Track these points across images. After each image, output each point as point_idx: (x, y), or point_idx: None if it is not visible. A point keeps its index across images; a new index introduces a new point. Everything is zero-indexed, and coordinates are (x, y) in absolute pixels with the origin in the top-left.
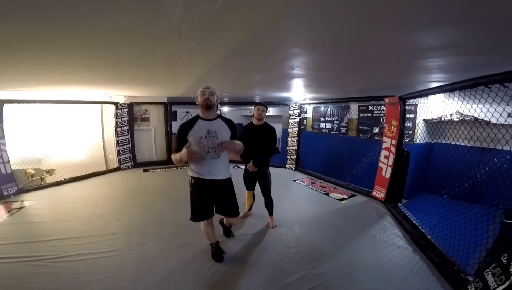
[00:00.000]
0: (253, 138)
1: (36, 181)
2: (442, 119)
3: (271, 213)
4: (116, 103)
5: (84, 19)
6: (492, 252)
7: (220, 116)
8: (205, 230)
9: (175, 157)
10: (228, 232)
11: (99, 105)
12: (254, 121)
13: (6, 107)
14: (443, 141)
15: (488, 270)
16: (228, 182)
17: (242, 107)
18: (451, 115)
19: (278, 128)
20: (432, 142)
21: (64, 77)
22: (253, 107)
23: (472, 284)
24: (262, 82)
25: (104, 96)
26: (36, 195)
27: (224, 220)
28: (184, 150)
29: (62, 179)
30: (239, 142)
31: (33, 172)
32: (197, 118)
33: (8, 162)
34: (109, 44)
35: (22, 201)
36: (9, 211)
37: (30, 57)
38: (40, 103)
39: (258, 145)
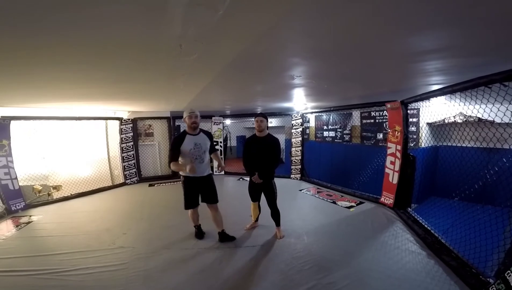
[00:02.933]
0: (256, 150)
1: (43, 196)
2: (446, 121)
3: (278, 223)
4: (120, 119)
5: (87, 34)
6: (511, 253)
7: (201, 130)
8: (191, 216)
9: (176, 166)
10: (227, 237)
11: (104, 121)
12: (257, 133)
13: (13, 124)
14: (449, 144)
15: (509, 271)
16: (209, 176)
17: (244, 119)
18: (454, 117)
19: (281, 138)
20: (438, 145)
21: (68, 92)
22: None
23: (493, 286)
24: (263, 93)
25: (108, 111)
26: (44, 210)
27: (216, 227)
28: (189, 166)
29: (69, 194)
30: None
31: (40, 188)
32: (185, 133)
33: (16, 178)
34: (112, 59)
35: (30, 216)
36: (17, 226)
37: (34, 72)
38: (46, 119)
39: (262, 157)
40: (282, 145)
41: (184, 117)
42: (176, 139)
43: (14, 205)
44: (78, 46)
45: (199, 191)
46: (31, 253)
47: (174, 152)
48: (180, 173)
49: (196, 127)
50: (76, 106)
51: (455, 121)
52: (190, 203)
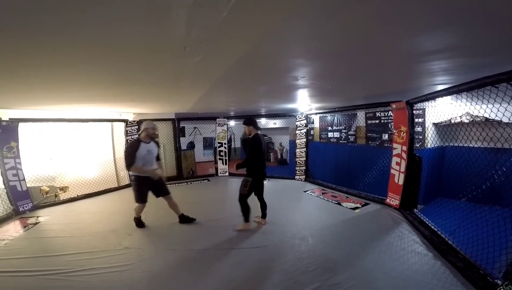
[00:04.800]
0: (244, 150)
1: (51, 197)
2: (452, 121)
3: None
4: (125, 121)
5: (93, 36)
6: None
7: (152, 139)
8: (139, 208)
9: (139, 169)
10: (187, 219)
11: (110, 123)
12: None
13: (21, 126)
14: (455, 144)
15: None
16: (159, 178)
17: None
18: (460, 117)
19: (285, 139)
20: (444, 145)
21: (75, 94)
22: (259, 120)
23: (501, 287)
24: (267, 94)
25: (114, 113)
26: (51, 211)
27: (175, 213)
28: (152, 172)
29: (76, 195)
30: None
31: (47, 189)
32: (139, 141)
33: (24, 179)
34: (117, 61)
35: (37, 217)
36: (25, 227)
37: (41, 73)
38: (53, 121)
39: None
40: (287, 146)
41: (145, 127)
42: (133, 146)
43: (22, 206)
44: (83, 47)
45: (150, 188)
46: (38, 253)
47: (132, 157)
48: (131, 173)
49: (154, 138)
50: (83, 108)
51: (461, 121)
52: (143, 198)
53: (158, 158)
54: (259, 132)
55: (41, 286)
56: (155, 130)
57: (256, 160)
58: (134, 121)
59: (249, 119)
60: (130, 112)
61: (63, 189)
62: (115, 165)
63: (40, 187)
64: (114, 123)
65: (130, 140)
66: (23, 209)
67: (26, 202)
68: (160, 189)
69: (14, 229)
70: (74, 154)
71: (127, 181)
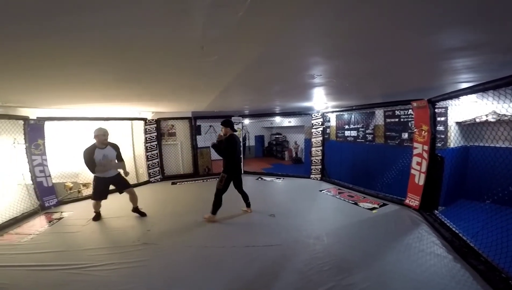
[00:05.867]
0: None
1: (74, 193)
2: (477, 120)
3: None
4: (144, 119)
5: (115, 40)
6: None
7: (109, 143)
8: (96, 204)
9: (101, 168)
10: (139, 212)
11: (130, 121)
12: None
13: (47, 124)
14: (481, 144)
15: None
16: (117, 175)
17: (262, 119)
18: (486, 115)
19: (300, 138)
20: (468, 145)
21: (99, 93)
22: (274, 119)
23: None
24: (282, 92)
25: (134, 112)
26: (74, 207)
27: (132, 205)
28: (110, 164)
29: None
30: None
31: (71, 185)
32: (95, 147)
33: (50, 176)
34: (138, 61)
35: (61, 212)
36: (50, 221)
37: (69, 73)
38: (77, 120)
39: None
40: (302, 145)
41: (96, 134)
42: (89, 153)
43: (48, 201)
44: (107, 48)
45: (112, 184)
46: (61, 248)
47: (90, 161)
48: (95, 174)
49: (106, 144)
50: (104, 108)
51: (487, 120)
52: (100, 196)
53: (120, 159)
54: (235, 133)
55: (63, 280)
56: (105, 136)
57: (231, 158)
58: (153, 120)
59: (227, 121)
60: (149, 110)
61: (86, 185)
62: (134, 162)
63: (64, 183)
64: (134, 121)
65: (149, 138)
66: (48, 205)
67: (51, 197)
68: (121, 185)
69: (40, 223)
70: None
71: (145, 178)
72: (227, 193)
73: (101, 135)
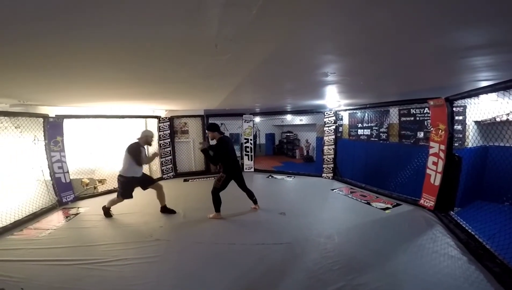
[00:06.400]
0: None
1: (90, 189)
2: (497, 119)
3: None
4: (158, 117)
5: (132, 40)
6: None
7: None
8: (117, 201)
9: (151, 159)
10: (168, 210)
11: (144, 119)
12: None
13: (65, 121)
14: (501, 144)
15: None
16: (143, 174)
17: (273, 117)
18: (507, 114)
19: (312, 136)
20: (487, 145)
21: (115, 92)
22: (285, 117)
23: None
24: (294, 90)
25: (148, 110)
26: (90, 203)
27: (161, 207)
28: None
29: (112, 188)
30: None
31: (87, 181)
32: (139, 145)
33: (67, 172)
34: (153, 59)
35: (78, 207)
36: (67, 217)
37: (88, 73)
38: (93, 118)
39: None
40: (313, 143)
41: (147, 135)
42: (138, 150)
43: (65, 197)
44: (124, 48)
45: (138, 185)
46: (77, 243)
47: (141, 156)
48: (124, 174)
49: (150, 145)
50: (120, 105)
51: (508, 119)
52: (129, 195)
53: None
54: (223, 135)
55: (79, 275)
56: (153, 138)
57: (225, 160)
58: (166, 118)
59: (212, 125)
60: (162, 108)
61: (102, 181)
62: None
63: (81, 179)
64: (148, 119)
65: (162, 136)
66: (66, 200)
67: (68, 193)
68: (148, 182)
69: (57, 219)
70: (111, 148)
71: (159, 175)
72: (237, 192)
73: (150, 136)
